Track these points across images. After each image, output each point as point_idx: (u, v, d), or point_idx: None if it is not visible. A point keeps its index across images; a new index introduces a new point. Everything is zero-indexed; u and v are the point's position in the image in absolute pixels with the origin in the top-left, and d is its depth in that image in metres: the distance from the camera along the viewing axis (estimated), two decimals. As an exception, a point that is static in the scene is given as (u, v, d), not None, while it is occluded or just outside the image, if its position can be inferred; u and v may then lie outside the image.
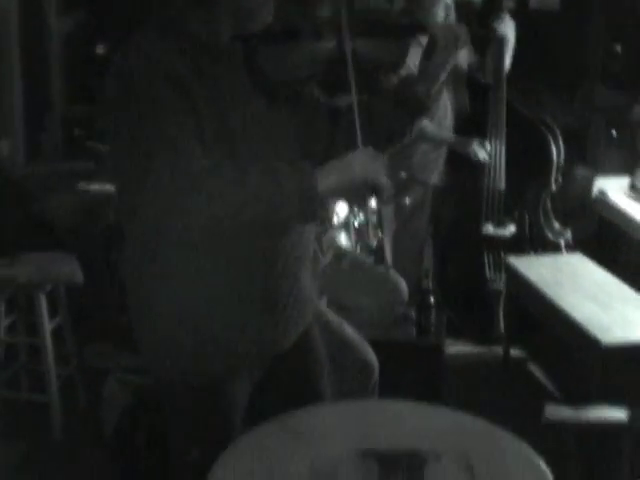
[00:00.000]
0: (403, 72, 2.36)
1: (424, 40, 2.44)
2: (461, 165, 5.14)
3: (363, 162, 2.08)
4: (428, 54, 2.42)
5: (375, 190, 2.11)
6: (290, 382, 2.46)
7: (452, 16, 4.89)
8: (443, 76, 4.62)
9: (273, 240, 2.23)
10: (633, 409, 2.55)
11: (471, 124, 5.17)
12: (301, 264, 2.35)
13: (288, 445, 2.12)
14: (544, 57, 8.85)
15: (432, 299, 3.96)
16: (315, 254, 3.29)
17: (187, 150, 2.00)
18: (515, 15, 5.19)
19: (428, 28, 2.43)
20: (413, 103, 2.42)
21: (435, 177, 5.12)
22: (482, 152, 5.02)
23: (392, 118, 2.39)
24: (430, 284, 4.04)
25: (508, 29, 4.81)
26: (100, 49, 6.56)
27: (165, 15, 2.19)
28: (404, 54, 2.29)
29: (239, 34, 2.14)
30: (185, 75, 2.05)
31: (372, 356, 3.14)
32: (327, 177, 2.05)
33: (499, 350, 4.92)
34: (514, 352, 4.91)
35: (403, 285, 3.94)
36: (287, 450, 2.11)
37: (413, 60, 2.42)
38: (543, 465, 2.12)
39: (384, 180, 2.10)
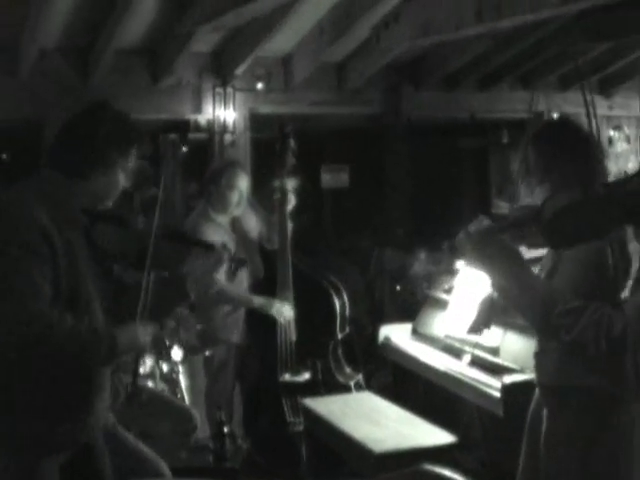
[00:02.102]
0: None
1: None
2: (257, 322, 5.64)
3: (142, 334, 3.05)
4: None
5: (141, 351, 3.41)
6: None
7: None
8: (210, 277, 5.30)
9: None
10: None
11: (265, 284, 5.75)
12: (107, 380, 3.14)
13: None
14: (339, 227, 9.72)
15: (226, 429, 4.41)
16: (116, 390, 3.85)
17: (41, 290, 2.73)
18: (309, 193, 5.91)
19: (215, 247, 3.60)
20: (182, 292, 3.43)
21: (236, 336, 5.66)
22: (284, 311, 5.54)
23: (163, 299, 3.28)
24: (223, 416, 4.50)
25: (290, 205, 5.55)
26: None
27: (43, 186, 2.97)
28: (188, 257, 3.47)
29: (87, 210, 3.04)
30: (52, 233, 2.81)
31: (165, 468, 3.55)
32: (123, 341, 2.94)
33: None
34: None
35: (196, 416, 4.44)
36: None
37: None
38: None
39: (148, 347, 3.18)
